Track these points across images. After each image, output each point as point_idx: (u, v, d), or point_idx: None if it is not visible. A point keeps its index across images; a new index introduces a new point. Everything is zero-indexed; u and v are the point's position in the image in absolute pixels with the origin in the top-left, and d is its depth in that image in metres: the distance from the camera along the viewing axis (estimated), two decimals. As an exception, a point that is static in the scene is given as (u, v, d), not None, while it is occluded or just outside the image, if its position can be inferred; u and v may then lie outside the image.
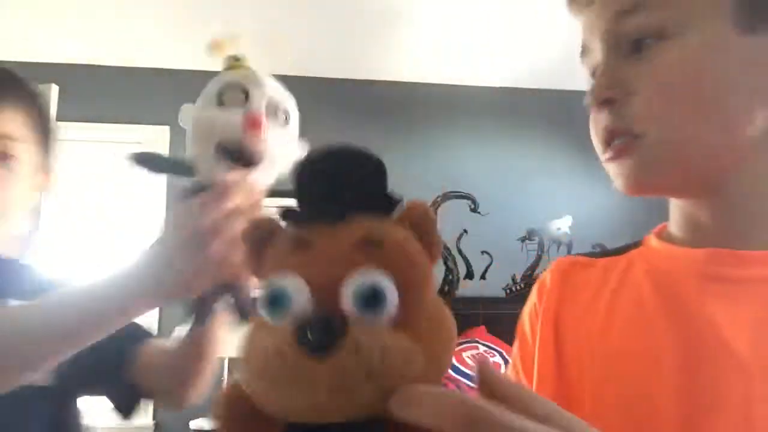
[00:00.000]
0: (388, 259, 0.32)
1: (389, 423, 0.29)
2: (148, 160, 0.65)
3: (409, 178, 3.42)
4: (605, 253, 0.65)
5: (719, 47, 0.48)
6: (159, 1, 3.07)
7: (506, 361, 2.90)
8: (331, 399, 0.29)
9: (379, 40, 3.32)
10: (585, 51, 0.56)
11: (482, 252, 3.41)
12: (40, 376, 0.75)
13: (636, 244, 0.62)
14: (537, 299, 0.65)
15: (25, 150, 0.87)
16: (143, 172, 0.66)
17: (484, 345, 2.96)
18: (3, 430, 0.78)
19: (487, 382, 0.31)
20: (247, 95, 0.62)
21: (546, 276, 0.66)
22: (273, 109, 0.62)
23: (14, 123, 0.85)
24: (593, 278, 0.61)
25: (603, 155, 0.54)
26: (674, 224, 0.58)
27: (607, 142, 0.53)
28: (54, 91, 2.58)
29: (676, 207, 0.58)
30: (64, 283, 0.92)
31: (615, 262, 0.61)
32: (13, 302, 0.82)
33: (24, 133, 0.87)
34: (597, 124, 0.54)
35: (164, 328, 3.13)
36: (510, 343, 2.85)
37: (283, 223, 0.35)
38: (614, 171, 0.54)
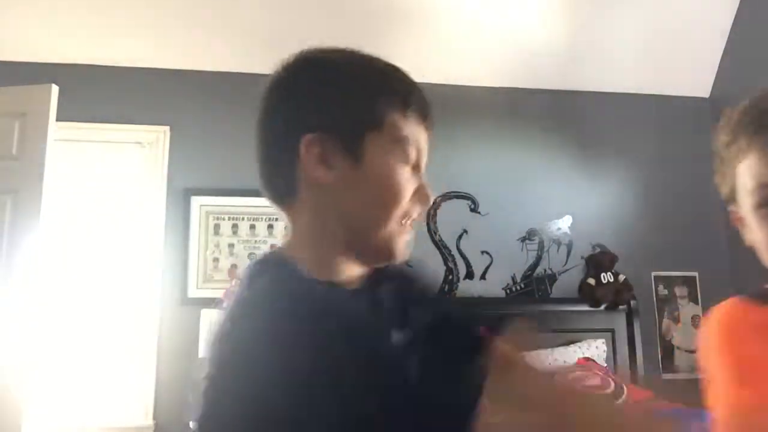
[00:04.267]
0: None
1: None
2: None
3: (409, 178, 3.42)
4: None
5: None
6: (159, 1, 3.07)
7: (506, 361, 2.89)
8: None
9: (380, 40, 3.32)
10: None
11: (482, 252, 3.41)
12: None
13: None
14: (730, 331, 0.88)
15: None
16: None
17: (484, 345, 2.96)
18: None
19: None
20: None
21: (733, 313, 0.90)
22: None
23: None
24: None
25: None
26: None
27: None
28: (54, 91, 2.58)
29: None
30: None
31: None
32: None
33: None
34: None
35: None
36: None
37: None
38: None
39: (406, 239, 0.75)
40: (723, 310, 0.91)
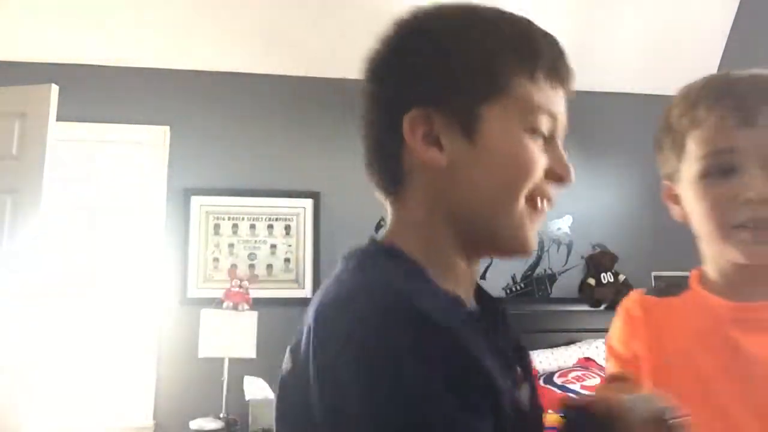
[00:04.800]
0: None
1: None
2: None
3: (409, 178, 3.42)
4: (668, 292, 0.88)
5: None
6: (159, 1, 3.07)
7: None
8: None
9: (379, 40, 3.32)
10: (733, 171, 0.74)
11: (482, 252, 3.41)
12: None
13: (685, 286, 0.85)
14: (628, 326, 0.87)
15: None
16: None
17: (484, 345, 2.96)
18: None
19: None
20: None
21: (633, 308, 0.88)
22: None
23: None
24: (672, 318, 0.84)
25: (730, 228, 0.75)
26: (718, 278, 0.82)
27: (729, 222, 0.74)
28: (54, 91, 2.58)
29: (722, 269, 0.81)
30: None
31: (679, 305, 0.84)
32: None
33: None
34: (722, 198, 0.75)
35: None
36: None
37: None
38: (750, 246, 0.74)
39: (538, 226, 0.63)
40: (624, 303, 0.91)
